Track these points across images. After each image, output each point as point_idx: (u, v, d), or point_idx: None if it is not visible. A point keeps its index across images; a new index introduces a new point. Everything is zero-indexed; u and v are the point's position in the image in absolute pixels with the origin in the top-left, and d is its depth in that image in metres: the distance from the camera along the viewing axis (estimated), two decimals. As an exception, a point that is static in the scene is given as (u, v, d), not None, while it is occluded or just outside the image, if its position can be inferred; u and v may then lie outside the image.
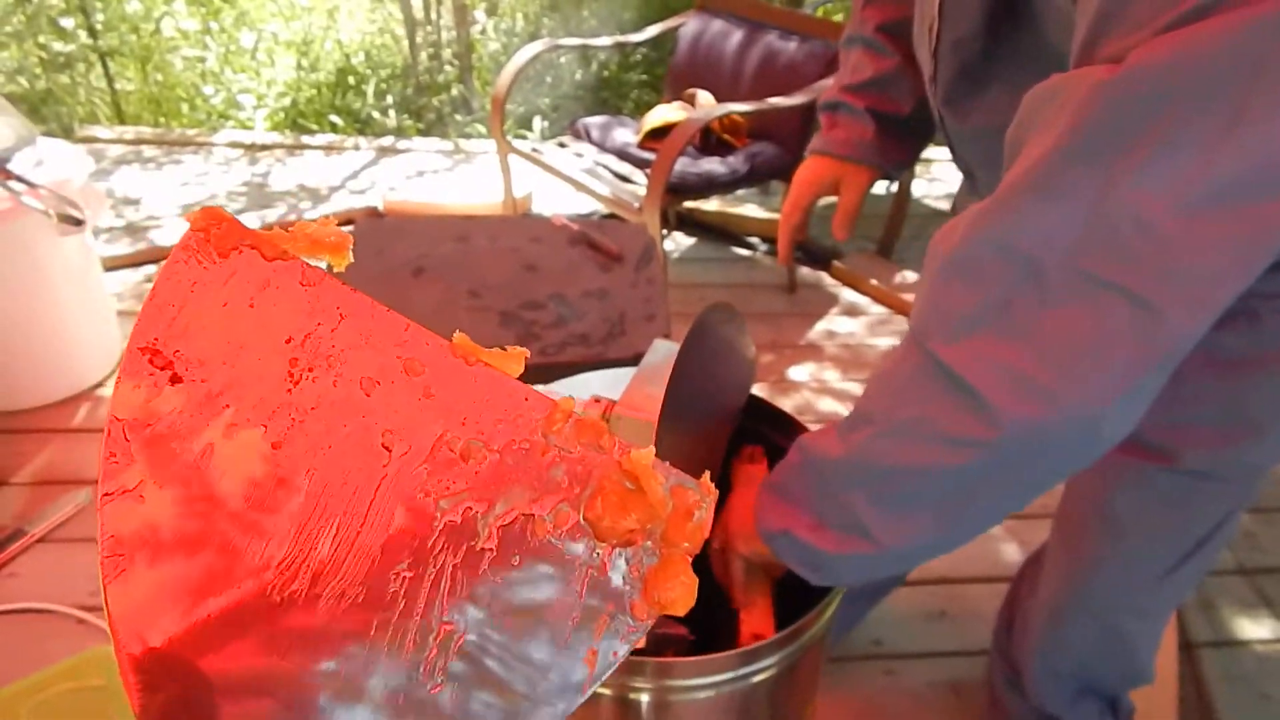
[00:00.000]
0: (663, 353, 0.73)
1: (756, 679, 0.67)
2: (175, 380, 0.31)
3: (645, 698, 0.67)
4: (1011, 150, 0.52)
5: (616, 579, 0.31)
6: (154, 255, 2.44)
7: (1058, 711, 1.01)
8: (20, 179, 1.63)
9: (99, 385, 1.89)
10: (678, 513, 0.31)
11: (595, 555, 0.31)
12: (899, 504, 0.57)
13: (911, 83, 0.90)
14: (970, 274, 0.50)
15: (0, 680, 1.23)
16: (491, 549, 0.31)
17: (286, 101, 4.00)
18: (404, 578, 0.30)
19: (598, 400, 0.70)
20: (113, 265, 2.32)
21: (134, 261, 2.41)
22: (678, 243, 2.66)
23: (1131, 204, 0.44)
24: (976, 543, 1.34)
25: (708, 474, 0.32)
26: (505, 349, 0.34)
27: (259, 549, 0.30)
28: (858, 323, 2.25)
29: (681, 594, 0.31)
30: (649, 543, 0.31)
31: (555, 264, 1.51)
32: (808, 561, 0.62)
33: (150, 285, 0.34)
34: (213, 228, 0.32)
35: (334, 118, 3.88)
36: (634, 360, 1.28)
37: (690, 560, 0.31)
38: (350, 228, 1.64)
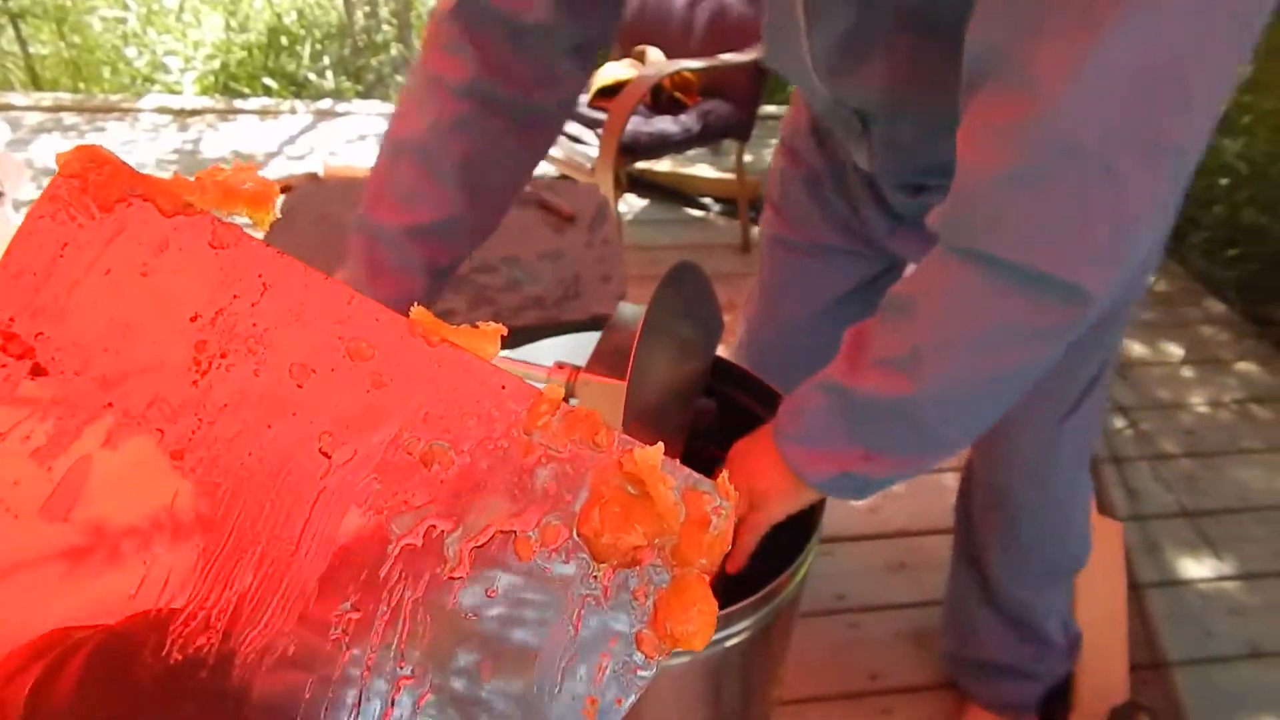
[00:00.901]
0: (627, 315, 0.71)
1: (730, 643, 0.66)
2: (37, 372, 0.24)
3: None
4: (989, 57, 0.52)
5: (619, 609, 0.25)
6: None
7: (1022, 613, 1.07)
8: (-71, 148, 1.52)
9: (29, 365, 1.81)
10: (691, 522, 0.25)
11: (593, 580, 0.25)
12: (975, 412, 0.62)
13: (478, 225, 0.80)
14: (1038, 180, 0.51)
15: None
16: (461, 578, 0.24)
17: (216, 64, 3.83)
18: (348, 620, 0.24)
19: (561, 366, 0.68)
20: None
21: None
22: (630, 204, 2.62)
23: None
24: (934, 495, 1.37)
25: (725, 474, 0.26)
26: (476, 325, 0.27)
27: (151, 593, 0.23)
28: (811, 281, 2.25)
29: (700, 625, 0.25)
30: (658, 561, 0.25)
31: (508, 226, 1.46)
32: (857, 489, 0.65)
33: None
34: (91, 173, 0.25)
35: (268, 80, 3.72)
36: (590, 322, 1.26)
37: (709, 580, 0.25)
38: (288, 193, 1.58)
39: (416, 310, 0.26)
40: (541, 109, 0.78)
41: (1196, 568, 1.49)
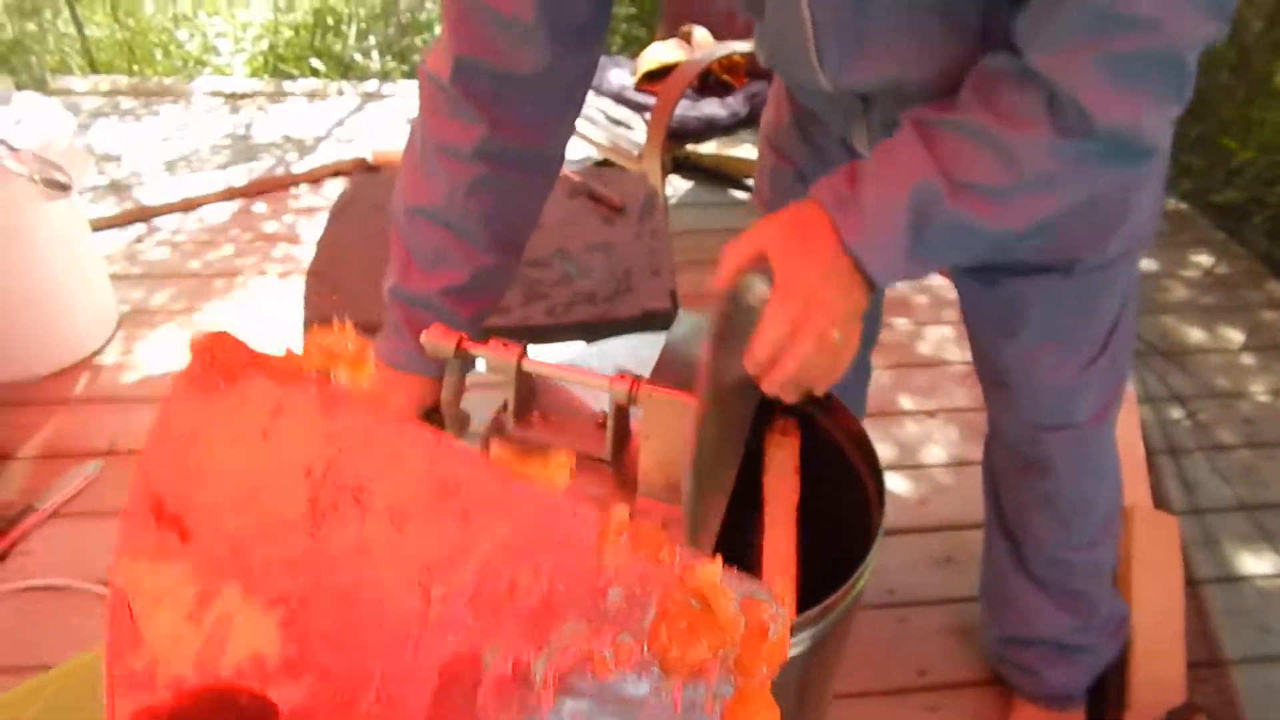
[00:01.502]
0: (688, 325, 0.72)
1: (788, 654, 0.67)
2: (185, 538, 0.27)
3: None
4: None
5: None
6: (141, 214, 2.39)
7: (1061, 578, 1.07)
8: (1, 142, 1.58)
9: (97, 353, 1.87)
10: (751, 632, 0.27)
11: (664, 695, 0.27)
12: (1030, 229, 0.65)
13: (507, 267, 0.82)
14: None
15: (19, 658, 1.24)
16: (548, 703, 0.27)
17: (264, 45, 3.87)
18: None
19: (623, 376, 0.69)
20: (100, 226, 2.27)
21: (121, 221, 2.36)
22: (675, 187, 2.61)
23: None
24: (979, 490, 1.36)
25: (781, 581, 0.29)
26: (548, 457, 0.30)
27: None
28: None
29: None
30: (722, 672, 0.27)
31: (557, 218, 1.48)
32: (889, 281, 0.65)
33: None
34: (217, 351, 0.29)
35: (315, 61, 3.76)
36: (643, 318, 1.27)
37: (769, 687, 0.28)
38: (345, 183, 1.60)
39: (496, 449, 0.29)
40: (548, 149, 0.81)
41: (1255, 563, 1.46)
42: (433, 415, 0.83)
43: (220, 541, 0.27)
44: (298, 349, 0.31)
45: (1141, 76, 0.58)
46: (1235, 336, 1.99)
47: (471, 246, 0.78)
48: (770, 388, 0.65)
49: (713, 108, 2.11)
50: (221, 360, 0.29)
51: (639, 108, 2.17)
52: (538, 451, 0.30)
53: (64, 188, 1.62)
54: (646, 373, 0.69)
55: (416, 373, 0.80)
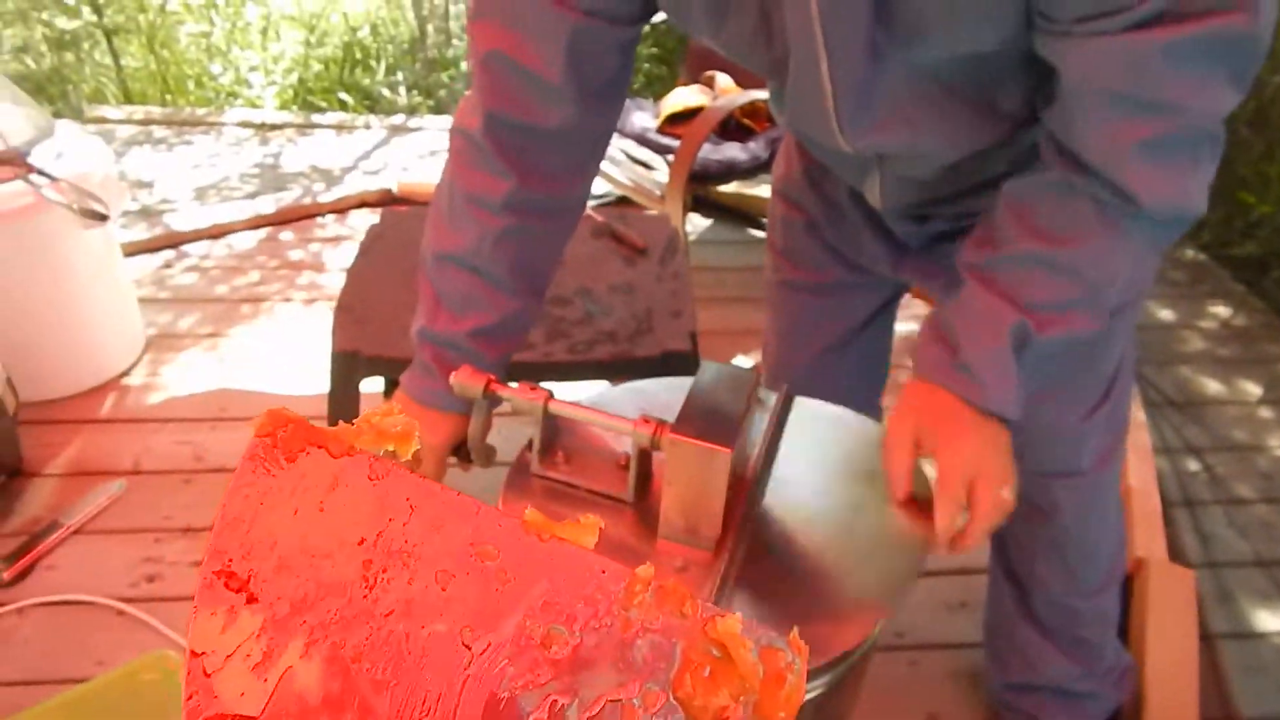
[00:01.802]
0: (711, 374, 0.74)
1: (807, 697, 0.68)
2: (250, 600, 0.30)
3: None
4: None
5: None
6: (171, 240, 2.44)
7: (1067, 625, 1.08)
8: (42, 173, 1.63)
9: (124, 374, 1.91)
10: (769, 679, 0.29)
11: None
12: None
13: (532, 310, 0.85)
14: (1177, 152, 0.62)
15: (41, 671, 1.26)
16: None
17: (294, 78, 3.96)
18: None
19: (647, 420, 0.71)
20: (131, 251, 2.33)
21: (152, 246, 2.42)
22: (695, 225, 2.65)
23: None
24: (995, 534, 1.35)
25: (795, 630, 0.31)
26: (579, 520, 0.33)
27: None
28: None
29: None
30: (743, 717, 0.29)
31: (580, 257, 1.51)
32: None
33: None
34: (279, 431, 0.32)
35: (343, 95, 3.84)
36: (662, 359, 1.29)
37: None
38: (376, 217, 1.64)
39: (530, 513, 0.33)
40: (572, 198, 0.84)
41: (1272, 620, 1.45)
42: (460, 450, 0.85)
43: (283, 603, 0.30)
44: (348, 425, 0.35)
45: (1178, 153, 0.62)
46: (1253, 389, 1.99)
47: (499, 292, 0.81)
48: (964, 550, 0.72)
49: (734, 151, 2.15)
50: (283, 439, 0.32)
51: (661, 149, 2.21)
52: (569, 515, 0.33)
53: (101, 217, 1.67)
54: (668, 416, 0.71)
55: (446, 410, 0.82)
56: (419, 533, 0.32)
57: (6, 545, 1.44)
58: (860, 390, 1.10)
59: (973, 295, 0.69)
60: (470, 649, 0.30)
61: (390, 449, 0.34)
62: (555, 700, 0.29)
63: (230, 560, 0.31)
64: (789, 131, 0.91)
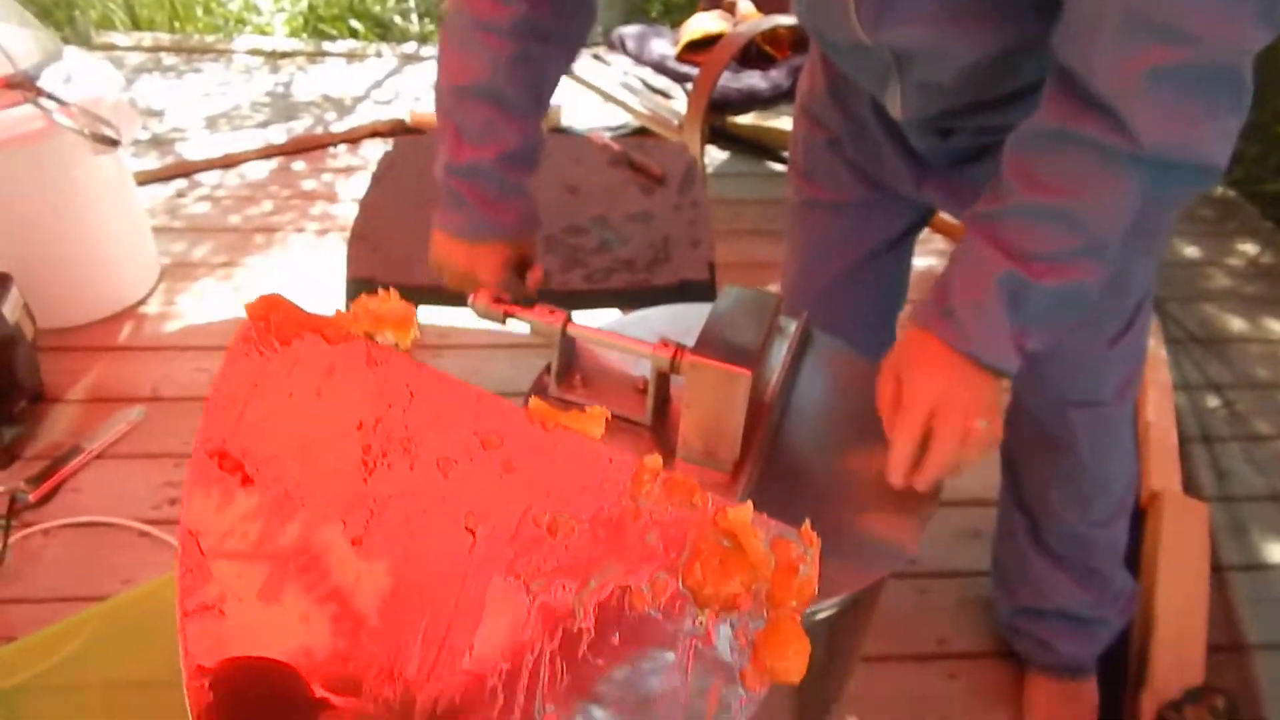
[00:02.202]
0: (732, 298, 0.73)
1: (820, 616, 0.69)
2: (246, 482, 0.30)
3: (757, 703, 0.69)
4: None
5: (723, 648, 0.28)
6: (182, 169, 2.42)
7: (1078, 553, 1.09)
8: (51, 96, 1.60)
9: (140, 303, 1.91)
10: (781, 569, 0.29)
11: (699, 624, 0.29)
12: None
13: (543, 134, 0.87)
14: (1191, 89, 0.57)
15: (68, 589, 1.29)
16: (589, 628, 0.29)
17: (304, 4, 3.88)
18: (501, 670, 0.28)
19: (666, 344, 0.70)
20: (143, 180, 2.31)
21: (163, 176, 2.40)
22: (712, 158, 2.60)
23: None
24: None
25: (808, 522, 0.30)
26: (584, 409, 0.32)
27: (349, 663, 0.28)
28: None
29: (795, 661, 0.28)
30: (754, 605, 0.29)
31: (597, 186, 1.49)
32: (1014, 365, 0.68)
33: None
34: (272, 315, 0.31)
35: (354, 23, 3.76)
36: (680, 287, 1.28)
37: (800, 620, 0.29)
38: (388, 146, 1.62)
39: (534, 401, 0.32)
40: (573, 30, 0.85)
41: (1284, 553, 1.46)
42: (513, 281, 0.88)
43: (280, 486, 0.29)
44: (343, 310, 0.34)
45: (1191, 89, 0.57)
46: (1277, 327, 1.96)
47: (517, 118, 0.82)
48: (923, 488, 0.70)
49: (754, 80, 2.10)
50: (276, 323, 0.32)
51: (680, 78, 2.16)
52: (575, 407, 0.32)
53: (112, 143, 1.65)
54: (687, 341, 0.70)
55: (487, 238, 0.85)
56: (420, 419, 0.31)
57: (31, 468, 1.47)
58: (875, 317, 1.08)
59: (969, 244, 0.68)
60: (474, 534, 0.30)
61: (388, 335, 0.33)
62: (563, 585, 0.29)
63: (224, 440, 0.30)
64: (807, 31, 0.88)
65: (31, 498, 1.41)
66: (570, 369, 0.77)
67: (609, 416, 0.33)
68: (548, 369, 0.77)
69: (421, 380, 0.31)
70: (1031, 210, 0.64)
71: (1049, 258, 0.64)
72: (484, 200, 0.83)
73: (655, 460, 0.30)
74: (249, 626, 0.28)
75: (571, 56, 0.87)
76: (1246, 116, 0.59)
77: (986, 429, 0.68)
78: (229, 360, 0.31)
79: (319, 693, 0.28)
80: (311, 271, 2.05)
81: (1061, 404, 0.99)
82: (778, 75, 2.12)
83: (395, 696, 0.27)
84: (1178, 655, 1.19)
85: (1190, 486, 1.52)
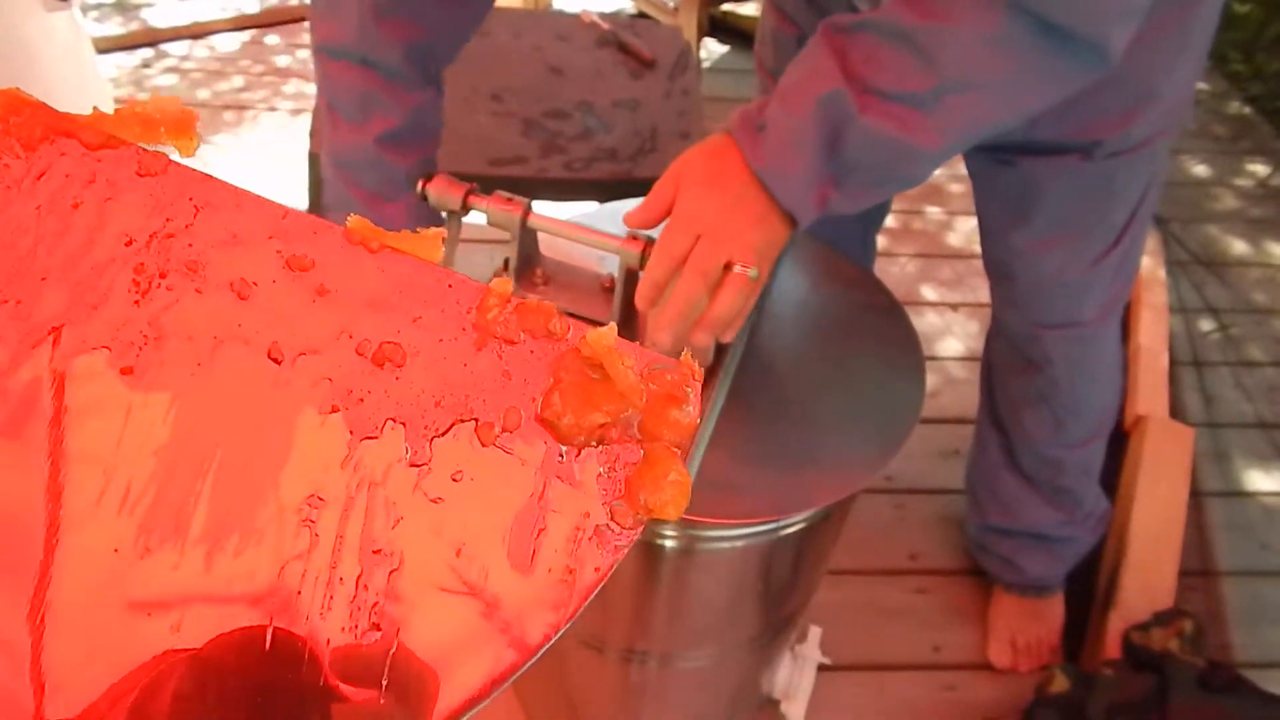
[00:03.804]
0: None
1: (789, 530, 0.66)
2: None
3: (670, 544, 0.67)
4: None
5: (590, 483, 0.25)
6: (148, 38, 2.28)
7: (1052, 474, 1.06)
8: (-6, -57, 1.47)
9: (101, 178, 1.82)
10: (657, 400, 0.25)
11: (559, 458, 0.25)
12: (962, 146, 0.59)
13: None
14: None
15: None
16: (425, 464, 0.25)
17: None
18: (314, 509, 0.24)
19: (635, 239, 0.64)
20: (105, 47, 2.18)
21: (128, 43, 2.26)
22: (710, 51, 2.47)
23: None
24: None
25: (687, 352, 0.26)
26: (417, 231, 0.27)
27: (113, 502, 0.23)
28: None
29: (674, 495, 0.25)
30: (625, 438, 0.25)
31: (582, 67, 1.40)
32: (808, 214, 0.59)
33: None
34: (11, 117, 0.26)
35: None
36: (664, 181, 1.21)
37: (679, 455, 0.26)
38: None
39: (353, 219, 0.26)
40: None
41: (1264, 480, 1.45)
42: None
43: (26, 309, 0.24)
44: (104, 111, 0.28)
45: None
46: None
47: (396, 84, 0.70)
48: (657, 334, 0.59)
49: (757, -39, 1.96)
50: (17, 126, 0.26)
51: (678, -44, 2.02)
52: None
53: (63, -2, 1.53)
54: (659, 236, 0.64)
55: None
56: (208, 237, 0.26)
57: None
58: (853, 225, 1.02)
59: (810, 53, 0.58)
60: (279, 363, 0.25)
61: (164, 143, 0.27)
62: (391, 419, 0.25)
63: None
64: None
65: None
66: (530, 265, 0.71)
67: (445, 238, 0.28)
68: (505, 265, 0.71)
69: (209, 193, 0.26)
70: (889, 29, 0.55)
71: (883, 92, 0.55)
72: (367, 197, 0.71)
73: (505, 284, 0.26)
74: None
75: (464, 12, 0.73)
76: (1146, 2, 0.52)
77: (753, 278, 0.58)
78: None
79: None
80: (283, 152, 1.95)
81: (1038, 324, 0.94)
82: (784, -41, 1.98)
83: (173, 537, 0.24)
84: (1148, 579, 1.19)
85: (1177, 411, 1.50)
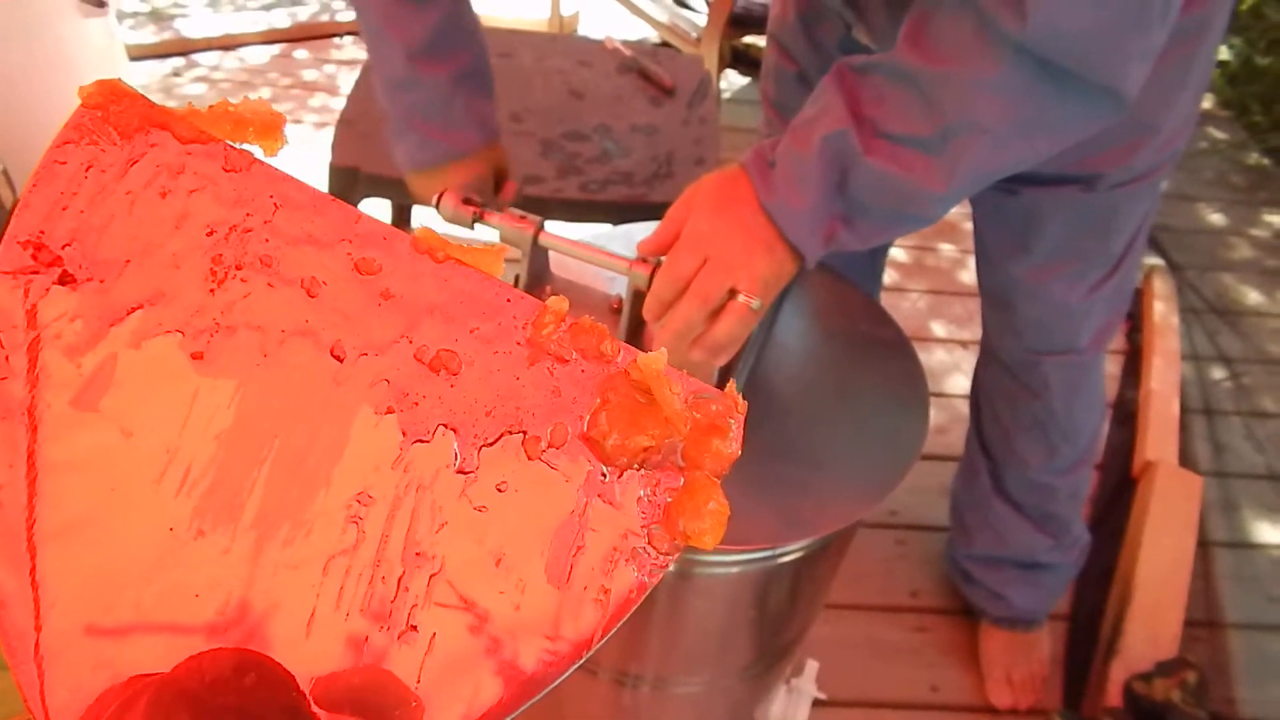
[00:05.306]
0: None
1: (788, 558, 0.65)
2: (65, 280, 0.25)
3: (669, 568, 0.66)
4: None
5: (630, 505, 0.25)
6: (180, 47, 2.33)
7: (1040, 500, 1.07)
8: (35, -51, 1.51)
9: (126, 182, 1.85)
10: (700, 429, 0.26)
11: (602, 478, 0.25)
12: (970, 190, 0.59)
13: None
14: None
15: None
16: (472, 472, 0.25)
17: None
18: (363, 506, 0.25)
19: (644, 260, 0.65)
20: (138, 54, 2.22)
21: (160, 52, 2.30)
22: (730, 81, 2.49)
23: None
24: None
25: (732, 383, 0.27)
26: (484, 244, 0.28)
27: (172, 484, 0.24)
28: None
29: (712, 524, 0.25)
30: (667, 463, 0.26)
31: (603, 92, 1.41)
32: (819, 251, 0.60)
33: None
34: (111, 105, 0.27)
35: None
36: (679, 207, 1.22)
37: (719, 484, 0.26)
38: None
39: (421, 229, 0.27)
40: None
41: (1272, 533, 1.43)
42: (486, 188, 0.79)
43: (107, 290, 0.25)
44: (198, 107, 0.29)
45: None
46: (1295, 303, 1.90)
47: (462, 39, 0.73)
48: (655, 347, 0.60)
49: (781, -4, 1.99)
50: (116, 114, 0.27)
51: (703, -12, 2.05)
52: (468, 240, 0.28)
53: (100, 4, 1.56)
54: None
55: (448, 162, 0.76)
56: (283, 235, 0.27)
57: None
58: (859, 259, 1.02)
59: (822, 91, 0.59)
60: (341, 361, 0.26)
61: (252, 143, 0.28)
62: (442, 425, 0.25)
63: (42, 232, 0.25)
64: None
65: None
66: (540, 283, 0.72)
67: (510, 256, 0.30)
68: (515, 281, 0.72)
69: (289, 192, 0.27)
70: (896, 71, 0.55)
71: (890, 135, 0.55)
72: (419, 122, 0.73)
73: (561, 303, 0.26)
74: (57, 438, 0.24)
75: None
76: (1159, 44, 0.52)
77: (755, 308, 0.59)
78: (54, 149, 0.26)
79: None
80: (307, 165, 1.98)
81: (1037, 351, 0.94)
82: (807, -6, 2.01)
83: (228, 521, 0.24)
84: (1153, 626, 1.17)
85: (1186, 459, 1.48)
